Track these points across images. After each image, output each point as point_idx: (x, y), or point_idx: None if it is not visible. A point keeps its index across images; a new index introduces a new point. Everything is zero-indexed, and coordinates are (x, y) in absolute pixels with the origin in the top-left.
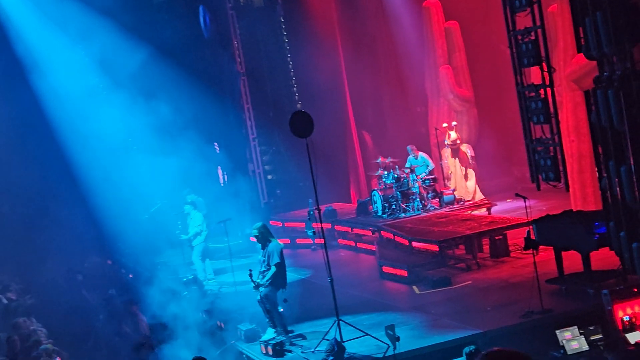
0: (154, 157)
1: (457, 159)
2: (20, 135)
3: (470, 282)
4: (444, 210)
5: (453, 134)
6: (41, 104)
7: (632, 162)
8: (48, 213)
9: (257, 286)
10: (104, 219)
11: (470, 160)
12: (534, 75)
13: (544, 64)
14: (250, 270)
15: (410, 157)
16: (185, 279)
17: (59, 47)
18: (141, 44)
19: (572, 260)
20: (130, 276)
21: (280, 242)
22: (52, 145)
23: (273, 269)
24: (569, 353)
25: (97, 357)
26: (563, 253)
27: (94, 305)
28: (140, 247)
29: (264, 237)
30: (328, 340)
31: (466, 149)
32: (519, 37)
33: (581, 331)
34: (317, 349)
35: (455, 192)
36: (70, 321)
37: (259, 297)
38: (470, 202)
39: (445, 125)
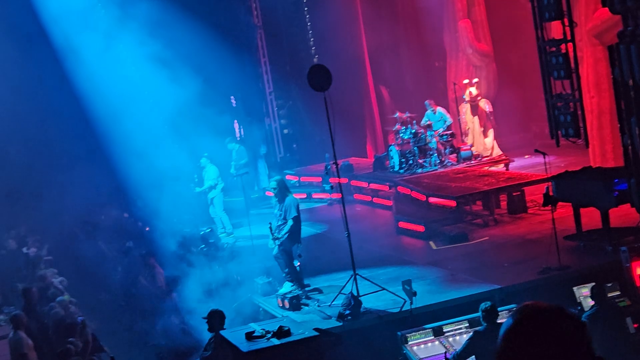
0: (170, 110)
1: (475, 115)
2: (36, 87)
3: (487, 238)
4: (462, 166)
5: (474, 91)
6: (57, 53)
7: None
8: (64, 165)
9: (275, 238)
10: (120, 171)
11: (488, 116)
12: (555, 29)
13: (565, 18)
14: (270, 223)
15: (428, 112)
16: (202, 232)
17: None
18: None
19: (591, 217)
20: (147, 229)
21: (296, 196)
22: (68, 96)
23: (290, 222)
24: (585, 310)
25: (114, 308)
26: (582, 209)
27: (111, 258)
28: (157, 200)
29: (281, 191)
30: (344, 294)
31: (484, 104)
32: None
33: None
34: (333, 303)
35: (473, 148)
36: (87, 273)
37: (275, 251)
38: (488, 157)
39: (466, 81)
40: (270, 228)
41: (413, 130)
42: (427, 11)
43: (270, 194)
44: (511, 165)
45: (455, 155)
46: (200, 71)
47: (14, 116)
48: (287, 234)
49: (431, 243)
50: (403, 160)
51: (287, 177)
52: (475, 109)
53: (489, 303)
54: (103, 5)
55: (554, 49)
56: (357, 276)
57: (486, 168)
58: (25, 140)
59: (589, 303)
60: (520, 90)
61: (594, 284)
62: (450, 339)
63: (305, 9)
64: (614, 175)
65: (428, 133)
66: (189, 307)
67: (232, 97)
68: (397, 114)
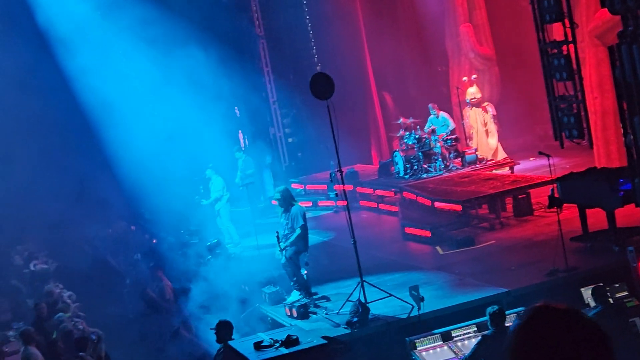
0: (174, 122)
1: (477, 116)
2: (44, 102)
3: (494, 241)
4: (467, 169)
5: (473, 89)
6: (63, 70)
7: None
8: (71, 180)
9: (282, 249)
10: (127, 184)
11: (492, 119)
12: (557, 31)
13: (566, 19)
14: (278, 232)
15: (431, 116)
16: (208, 243)
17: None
18: (158, 7)
19: (597, 218)
20: (154, 241)
21: (302, 205)
22: (74, 111)
23: (298, 231)
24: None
25: (123, 321)
26: (587, 211)
27: (119, 271)
28: (163, 212)
29: (287, 200)
30: (352, 301)
31: (488, 107)
32: None
33: (607, 288)
34: (341, 311)
35: (477, 152)
36: (95, 287)
37: (283, 260)
38: (493, 161)
39: (465, 79)
40: (278, 237)
41: (417, 136)
42: (429, 16)
43: (276, 203)
44: (516, 167)
45: (460, 159)
46: (203, 82)
47: (18, 129)
48: (294, 243)
49: (438, 248)
50: (408, 165)
51: (293, 185)
52: (477, 109)
53: (496, 307)
54: (103, 17)
55: (555, 50)
56: (365, 283)
57: (491, 171)
58: (29, 157)
59: None
60: (523, 92)
61: (595, 285)
62: (459, 344)
63: (307, 17)
64: (619, 175)
65: (432, 138)
66: (197, 318)
67: (235, 107)
68: (401, 120)
